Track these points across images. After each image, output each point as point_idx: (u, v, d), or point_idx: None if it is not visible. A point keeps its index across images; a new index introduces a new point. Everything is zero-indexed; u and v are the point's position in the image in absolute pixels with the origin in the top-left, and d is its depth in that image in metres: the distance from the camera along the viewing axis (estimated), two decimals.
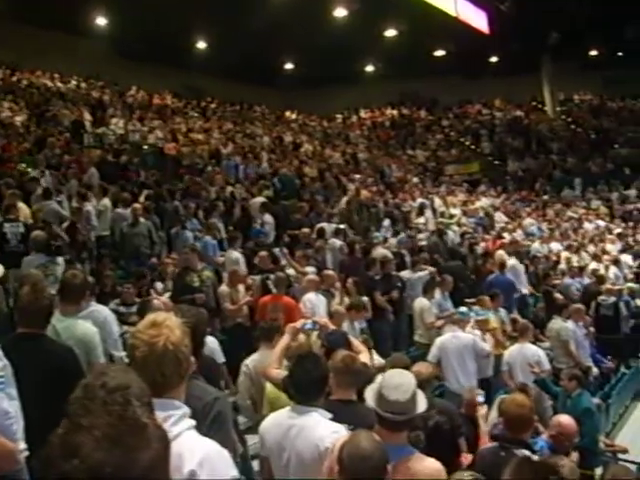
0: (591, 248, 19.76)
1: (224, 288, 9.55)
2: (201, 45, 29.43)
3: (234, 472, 2.23)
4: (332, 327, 5.31)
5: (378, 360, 6.87)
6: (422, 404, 3.41)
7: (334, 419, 3.63)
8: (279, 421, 3.73)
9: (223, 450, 2.24)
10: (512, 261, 14.27)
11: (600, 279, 14.77)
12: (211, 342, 6.45)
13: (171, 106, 26.76)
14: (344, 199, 16.37)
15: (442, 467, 3.25)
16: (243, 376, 6.28)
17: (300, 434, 3.57)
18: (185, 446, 2.12)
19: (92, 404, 1.37)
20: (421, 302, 10.75)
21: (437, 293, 11.00)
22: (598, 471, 6.67)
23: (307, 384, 3.70)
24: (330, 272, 10.59)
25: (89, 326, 5.00)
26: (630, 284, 16.17)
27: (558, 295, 13.44)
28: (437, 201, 20.74)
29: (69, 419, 1.36)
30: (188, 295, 8.64)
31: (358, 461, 2.82)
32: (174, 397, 2.27)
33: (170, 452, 1.45)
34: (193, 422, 2.26)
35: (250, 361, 6.32)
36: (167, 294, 9.15)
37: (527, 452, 4.19)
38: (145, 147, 18.23)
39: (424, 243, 14.72)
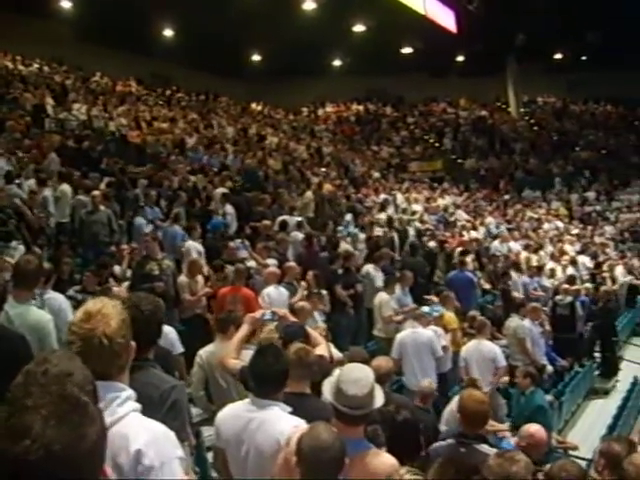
0: (550, 248, 20.06)
1: (183, 278, 9.47)
2: (168, 33, 29.11)
3: (180, 452, 2.24)
4: (292, 319, 5.27)
5: (336, 354, 6.87)
6: (380, 399, 3.41)
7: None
8: (237, 413, 3.70)
9: (169, 431, 2.25)
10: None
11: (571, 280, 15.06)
12: (170, 332, 6.39)
13: (135, 93, 26.44)
14: (307, 193, 16.35)
15: (397, 463, 3.26)
16: (197, 367, 6.25)
17: (260, 428, 3.55)
18: (131, 427, 2.13)
19: (32, 387, 1.37)
20: (380, 296, 10.79)
21: (397, 288, 11.04)
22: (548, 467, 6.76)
23: (268, 377, 3.66)
24: (292, 264, 10.57)
25: (43, 313, 4.92)
26: (587, 284, 16.46)
27: (516, 293, 13.62)
28: (399, 197, 20.83)
29: (11, 404, 1.36)
30: (148, 284, 8.57)
31: (318, 452, 2.82)
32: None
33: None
34: (138, 405, 2.26)
35: (203, 352, 6.29)
36: (126, 283, 9.08)
37: (487, 447, 4.22)
38: (109, 134, 17.98)
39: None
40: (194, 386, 6.31)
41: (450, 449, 4.40)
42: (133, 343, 2.37)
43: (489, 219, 22.10)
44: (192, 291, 9.37)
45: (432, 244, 15.44)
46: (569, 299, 13.65)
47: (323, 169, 22.76)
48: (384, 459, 3.26)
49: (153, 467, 2.12)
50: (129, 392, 2.25)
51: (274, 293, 9.21)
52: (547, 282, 15.87)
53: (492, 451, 4.15)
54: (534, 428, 5.13)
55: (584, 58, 34.24)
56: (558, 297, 13.59)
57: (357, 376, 3.38)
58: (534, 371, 8.14)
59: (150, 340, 3.16)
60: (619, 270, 19.52)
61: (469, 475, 1.78)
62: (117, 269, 9.75)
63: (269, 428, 3.53)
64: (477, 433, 4.30)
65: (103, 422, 1.44)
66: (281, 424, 3.52)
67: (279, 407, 3.61)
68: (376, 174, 26.05)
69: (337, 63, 35.94)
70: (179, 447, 2.26)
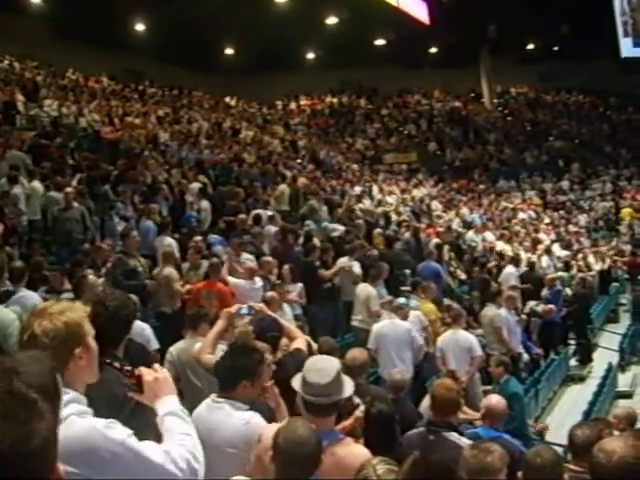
0: (524, 237, 20.19)
1: (170, 269, 9.39)
2: (140, 27, 28.88)
3: (124, 433, 2.23)
4: (269, 313, 5.21)
5: (314, 346, 6.87)
6: (348, 389, 3.41)
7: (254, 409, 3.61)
8: (199, 412, 3.67)
9: (101, 425, 2.22)
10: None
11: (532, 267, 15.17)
12: (145, 328, 6.37)
13: (108, 89, 26.20)
14: (282, 186, 16.30)
15: (368, 453, 3.26)
16: (168, 364, 6.20)
17: (216, 427, 3.52)
18: (69, 429, 2.10)
19: None
20: (366, 289, 10.65)
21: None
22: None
23: (227, 373, 3.67)
24: (269, 259, 10.52)
25: (7, 312, 4.88)
26: (561, 273, 16.60)
27: (494, 283, 13.66)
28: (375, 189, 20.86)
29: None
30: (133, 280, 8.55)
31: (294, 447, 2.81)
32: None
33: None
34: (82, 408, 2.25)
35: (174, 349, 6.24)
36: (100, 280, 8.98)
37: (457, 435, 4.25)
38: (81, 130, 17.80)
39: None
40: None
41: (420, 437, 4.42)
42: (92, 343, 2.36)
43: (464, 209, 22.21)
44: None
45: (407, 235, 15.45)
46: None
47: (298, 160, 22.75)
48: (354, 449, 3.26)
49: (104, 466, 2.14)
50: (71, 395, 2.22)
51: (245, 284, 9.17)
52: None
53: (461, 439, 4.19)
54: (491, 397, 5.15)
55: (556, 49, 34.48)
56: None
57: (321, 365, 3.40)
58: (507, 360, 8.17)
59: (115, 337, 3.13)
60: (592, 258, 19.73)
61: (441, 474, 1.76)
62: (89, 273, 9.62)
63: (220, 427, 3.52)
64: (447, 421, 4.32)
65: (55, 419, 1.42)
66: (231, 421, 3.52)
67: (230, 405, 3.57)
68: (354, 166, 26.09)
69: (311, 56, 35.89)
70: (123, 431, 2.23)
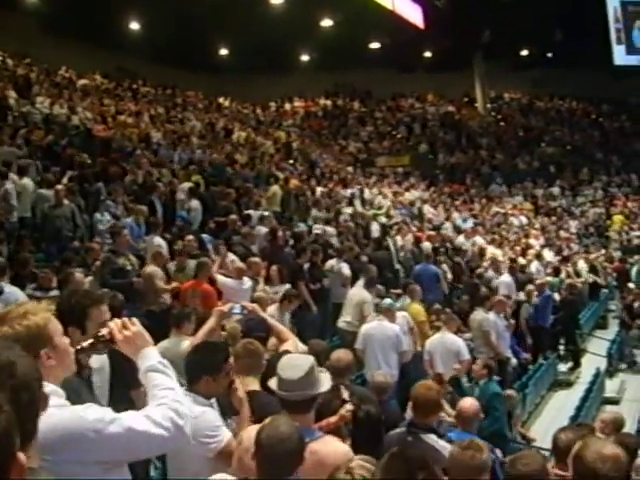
0: (515, 243, 20.25)
1: (154, 267, 9.39)
2: (134, 26, 28.79)
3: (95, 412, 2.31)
4: (261, 314, 5.21)
5: (302, 348, 6.87)
6: (325, 385, 3.41)
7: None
8: None
9: (87, 410, 2.29)
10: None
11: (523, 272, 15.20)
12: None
13: (101, 87, 26.13)
14: (274, 187, 16.30)
15: (350, 451, 3.26)
16: None
17: None
18: (49, 420, 2.09)
19: None
20: (362, 293, 10.61)
21: (361, 281, 11.01)
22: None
23: (191, 368, 3.73)
24: (257, 260, 10.51)
25: None
26: (549, 278, 16.63)
27: (483, 288, 13.68)
28: (367, 192, 20.88)
29: None
30: (121, 278, 8.55)
31: (275, 443, 2.82)
32: None
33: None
34: (61, 401, 2.31)
35: (158, 348, 6.20)
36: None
37: (435, 437, 4.25)
38: (73, 128, 17.74)
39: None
40: None
41: (399, 438, 4.44)
42: (61, 341, 2.38)
43: (455, 214, 22.26)
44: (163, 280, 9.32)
45: (398, 238, 15.48)
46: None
47: (291, 161, 22.76)
48: (335, 447, 3.25)
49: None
50: (49, 389, 2.19)
51: (234, 284, 9.17)
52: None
53: (438, 442, 4.19)
54: (465, 399, 5.16)
55: (549, 55, 34.57)
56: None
57: (294, 362, 3.43)
58: (493, 364, 8.20)
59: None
60: (582, 264, 19.80)
61: (416, 469, 1.75)
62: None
63: None
64: (426, 423, 4.32)
65: (20, 409, 1.44)
66: None
67: (192, 399, 3.52)
68: (348, 168, 26.13)
69: (305, 58, 35.84)
70: (100, 410, 2.33)
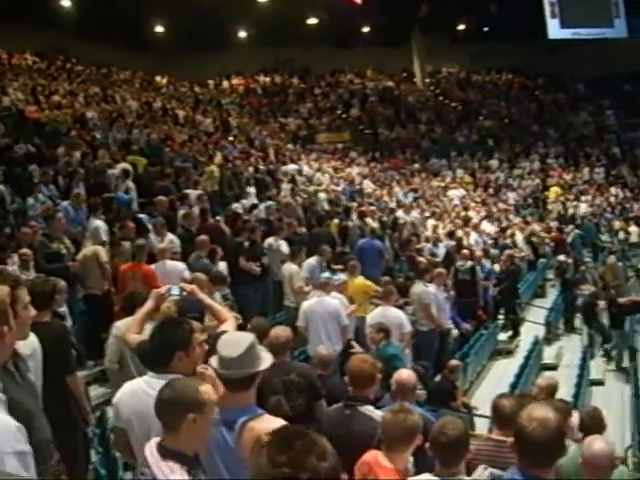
0: (454, 215, 20.52)
1: (100, 248, 9.21)
2: (66, 3, 27.91)
3: (20, 446, 2.23)
4: (200, 295, 5.09)
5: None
6: (265, 362, 3.40)
7: None
8: (136, 390, 3.62)
9: (10, 426, 2.24)
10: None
11: (459, 244, 15.39)
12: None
13: (33, 67, 25.44)
14: (212, 166, 16.15)
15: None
16: (113, 338, 6.11)
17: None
18: None
19: None
20: (290, 267, 10.76)
21: (313, 259, 11.04)
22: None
23: (160, 348, 3.61)
24: (203, 237, 10.34)
25: None
26: (491, 250, 16.91)
27: (421, 259, 13.81)
28: (306, 168, 20.86)
29: None
30: (56, 263, 8.37)
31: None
32: None
33: None
34: None
35: (122, 324, 6.12)
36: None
37: (371, 408, 4.31)
38: (4, 109, 17.24)
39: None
40: (108, 357, 6.16)
41: (337, 412, 4.48)
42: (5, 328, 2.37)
43: (396, 188, 22.42)
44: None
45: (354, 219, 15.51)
46: (470, 264, 13.81)
47: (230, 138, 22.58)
48: (273, 423, 3.24)
49: None
50: None
51: (168, 265, 9.09)
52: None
53: (374, 412, 4.26)
54: (401, 371, 5.20)
55: (486, 29, 34.89)
56: (459, 262, 13.76)
57: (234, 340, 3.39)
58: (388, 327, 8.12)
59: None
60: (520, 236, 20.18)
61: (300, 457, 1.69)
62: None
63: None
64: (363, 395, 4.38)
65: None
66: None
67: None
68: (288, 146, 26.04)
69: (242, 34, 35.41)
70: (21, 441, 2.24)
